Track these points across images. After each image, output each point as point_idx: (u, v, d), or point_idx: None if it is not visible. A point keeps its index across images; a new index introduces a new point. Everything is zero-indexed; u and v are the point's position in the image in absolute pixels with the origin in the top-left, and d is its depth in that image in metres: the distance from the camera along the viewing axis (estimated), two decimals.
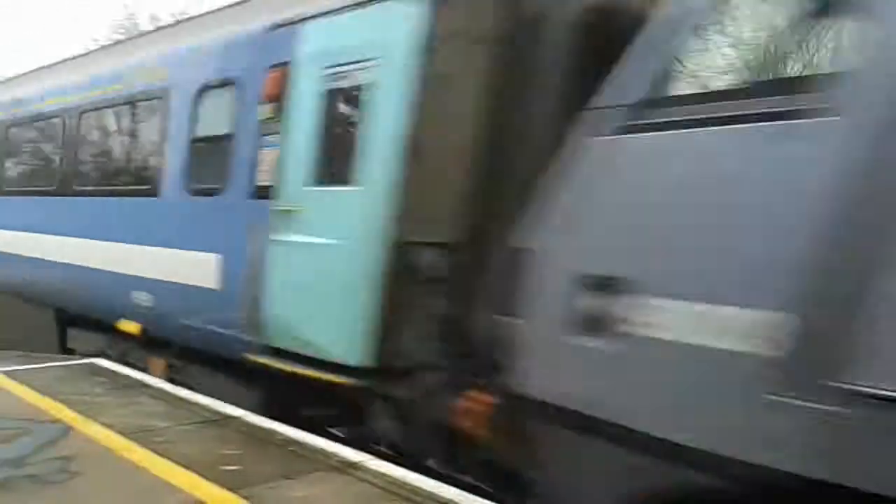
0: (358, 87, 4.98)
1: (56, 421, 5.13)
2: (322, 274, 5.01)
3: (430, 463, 5.02)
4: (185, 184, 6.65)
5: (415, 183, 4.64)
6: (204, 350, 6.28)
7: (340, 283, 4.88)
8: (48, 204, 8.94)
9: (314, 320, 5.07)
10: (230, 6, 7.29)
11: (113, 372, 6.91)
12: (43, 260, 8.71)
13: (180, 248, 6.49)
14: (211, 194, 6.26)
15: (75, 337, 8.66)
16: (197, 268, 6.16)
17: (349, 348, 4.79)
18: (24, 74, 11.14)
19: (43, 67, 10.55)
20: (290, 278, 5.27)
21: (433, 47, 4.61)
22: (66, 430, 4.95)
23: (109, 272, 7.44)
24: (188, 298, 6.31)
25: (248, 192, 5.80)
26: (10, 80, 11.80)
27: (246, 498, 3.85)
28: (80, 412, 5.34)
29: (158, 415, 5.40)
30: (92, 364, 7.29)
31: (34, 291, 9.12)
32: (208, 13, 7.97)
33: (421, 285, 4.68)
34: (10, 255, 9.55)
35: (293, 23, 5.59)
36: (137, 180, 7.51)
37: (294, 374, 5.12)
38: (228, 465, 4.38)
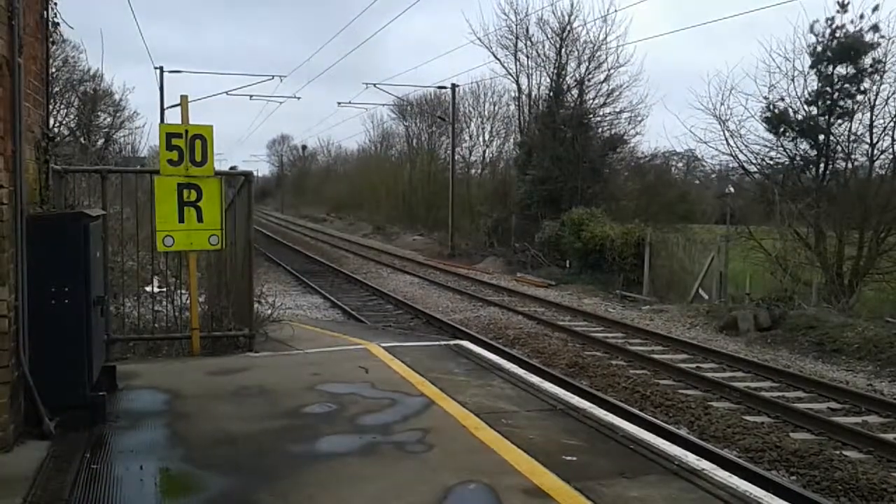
0: None
1: (420, 395, 5.68)
2: None
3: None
4: None
5: None
6: None
7: None
8: None
9: None
10: None
11: (475, 354, 7.43)
12: None
13: None
14: None
15: None
16: None
17: None
18: None
19: None
20: None
21: None
22: (428, 403, 5.45)
23: None
24: None
25: None
26: None
27: (579, 491, 3.86)
28: (441, 389, 5.84)
29: (508, 398, 5.68)
30: (458, 345, 7.93)
31: None
32: None
33: None
34: None
35: None
36: None
37: None
38: (568, 455, 4.44)
